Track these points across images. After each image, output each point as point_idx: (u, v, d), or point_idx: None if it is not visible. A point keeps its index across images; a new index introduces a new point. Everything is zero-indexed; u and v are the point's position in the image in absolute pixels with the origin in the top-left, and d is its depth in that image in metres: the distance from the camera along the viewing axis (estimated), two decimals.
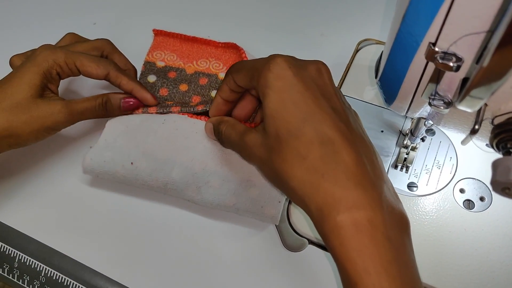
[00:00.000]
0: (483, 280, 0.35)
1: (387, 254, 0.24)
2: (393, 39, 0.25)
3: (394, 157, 0.41)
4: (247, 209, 0.35)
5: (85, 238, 0.38)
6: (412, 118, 0.40)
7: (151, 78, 0.45)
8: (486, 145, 0.28)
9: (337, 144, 0.26)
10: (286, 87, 0.28)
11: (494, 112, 0.25)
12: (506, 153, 0.25)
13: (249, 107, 0.36)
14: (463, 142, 0.28)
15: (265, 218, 0.35)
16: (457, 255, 0.36)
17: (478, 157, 0.40)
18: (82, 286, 0.37)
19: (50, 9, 0.54)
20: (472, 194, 0.38)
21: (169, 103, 0.42)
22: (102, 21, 0.53)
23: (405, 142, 0.40)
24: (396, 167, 0.40)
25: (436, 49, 0.23)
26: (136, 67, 0.42)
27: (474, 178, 0.39)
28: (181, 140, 0.38)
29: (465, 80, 0.24)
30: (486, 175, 0.39)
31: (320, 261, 0.36)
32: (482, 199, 0.38)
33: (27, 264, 0.38)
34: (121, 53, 0.41)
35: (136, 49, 0.48)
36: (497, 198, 0.38)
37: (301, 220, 0.38)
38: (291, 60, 0.29)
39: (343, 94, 0.44)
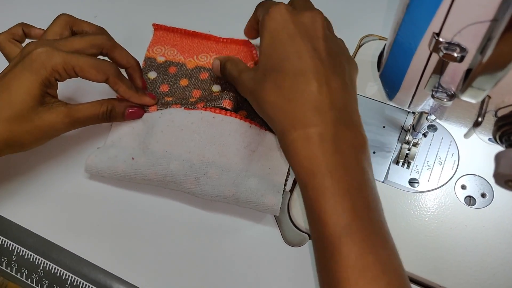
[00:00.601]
0: (484, 276, 0.34)
1: (334, 161, 0.29)
2: (396, 30, 0.25)
3: (396, 153, 0.41)
4: (247, 199, 0.35)
5: (84, 232, 0.38)
6: (414, 113, 0.40)
7: (152, 75, 0.45)
8: (489, 139, 0.28)
9: (307, 75, 0.31)
10: (279, 28, 0.32)
11: (497, 104, 0.25)
12: (509, 145, 0.24)
13: None
14: (466, 135, 0.28)
15: (265, 208, 0.35)
16: (458, 251, 0.35)
17: (480, 153, 0.40)
18: (81, 279, 0.37)
19: (51, 0, 0.54)
20: (473, 190, 0.38)
21: (168, 99, 0.42)
22: (103, 14, 0.52)
23: (406, 138, 0.40)
24: (397, 163, 0.40)
25: (440, 39, 0.23)
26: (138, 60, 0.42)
27: (476, 175, 0.39)
28: (177, 132, 0.37)
29: (469, 71, 0.24)
30: (488, 172, 0.39)
31: None
32: (483, 195, 0.38)
33: (26, 257, 0.38)
34: (122, 48, 0.39)
35: (137, 42, 0.47)
36: (498, 194, 0.38)
37: (302, 215, 0.38)
38: (289, 8, 0.33)
39: None
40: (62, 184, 0.40)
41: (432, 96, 0.26)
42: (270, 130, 0.39)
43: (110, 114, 0.38)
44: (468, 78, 0.23)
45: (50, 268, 0.37)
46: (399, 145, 0.41)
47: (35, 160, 0.41)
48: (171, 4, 0.54)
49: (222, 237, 0.37)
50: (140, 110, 0.39)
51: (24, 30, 0.40)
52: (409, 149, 0.40)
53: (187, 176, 0.36)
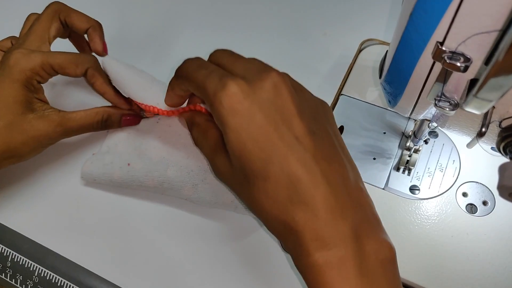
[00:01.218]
0: (485, 285, 0.34)
1: (359, 284, 0.24)
2: (399, 37, 0.25)
3: (397, 159, 0.40)
4: (246, 206, 0.35)
5: (79, 238, 0.38)
6: (415, 120, 0.40)
7: None
8: (492, 148, 0.27)
9: (304, 182, 0.25)
10: (244, 123, 0.25)
11: (502, 115, 0.24)
12: None
13: None
14: (469, 145, 0.27)
15: None
16: (459, 259, 0.35)
17: (482, 160, 0.39)
18: (76, 286, 0.36)
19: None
20: (475, 198, 0.38)
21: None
22: (100, 16, 0.52)
23: (407, 144, 0.39)
24: (398, 169, 0.40)
25: (444, 48, 0.22)
26: (133, 64, 0.41)
27: (477, 182, 0.38)
28: (175, 137, 0.37)
29: (472, 81, 0.23)
30: (490, 179, 0.39)
31: None
32: (485, 203, 0.38)
33: (21, 263, 0.37)
34: (78, 11, 0.37)
35: (132, 42, 0.47)
36: (500, 202, 0.37)
37: None
38: (244, 86, 0.26)
39: (346, 94, 0.44)
40: (58, 190, 0.40)
41: (435, 105, 0.26)
42: None
43: (106, 123, 0.37)
44: (473, 89, 0.22)
45: (45, 274, 0.37)
46: (400, 151, 0.40)
47: (30, 166, 0.41)
48: (170, 8, 0.54)
49: (220, 244, 0.37)
50: (137, 118, 0.39)
51: (12, 43, 0.39)
52: (410, 156, 0.40)
53: (184, 183, 0.35)
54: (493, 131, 0.26)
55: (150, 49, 0.49)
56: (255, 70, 0.27)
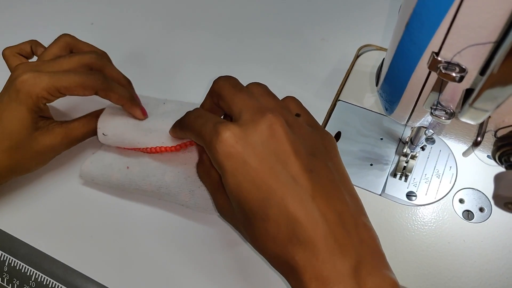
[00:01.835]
0: None
1: None
2: (395, 47, 0.25)
3: (393, 166, 0.40)
4: None
5: (77, 243, 0.38)
6: (412, 127, 0.40)
7: None
8: (488, 156, 0.27)
9: (302, 222, 0.25)
10: (239, 166, 0.26)
11: (497, 124, 0.24)
12: (509, 166, 0.24)
13: None
14: (465, 154, 0.27)
15: None
16: (455, 266, 0.35)
17: (478, 167, 0.39)
18: None
19: (47, 8, 0.54)
20: (471, 204, 0.38)
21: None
22: (99, 21, 0.52)
23: (404, 150, 0.39)
24: (395, 175, 0.40)
25: (439, 58, 0.22)
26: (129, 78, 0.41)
27: (474, 188, 0.39)
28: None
29: (468, 91, 0.23)
30: (486, 186, 0.39)
31: None
32: (481, 209, 0.38)
33: (17, 268, 0.37)
34: (113, 66, 0.38)
35: (133, 49, 0.47)
36: (497, 209, 0.37)
37: None
38: (236, 131, 0.26)
39: (343, 100, 0.44)
40: (55, 194, 0.40)
41: (431, 114, 0.26)
42: None
43: None
44: (469, 99, 0.23)
45: (42, 279, 0.37)
46: (397, 157, 0.41)
47: None
48: (169, 12, 0.54)
49: (216, 250, 0.37)
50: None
51: (32, 48, 0.40)
52: (407, 162, 0.40)
53: (181, 189, 0.35)
54: (489, 139, 0.26)
55: (150, 50, 0.49)
56: (251, 111, 0.27)
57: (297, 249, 0.25)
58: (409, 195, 0.39)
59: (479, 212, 0.38)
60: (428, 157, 0.40)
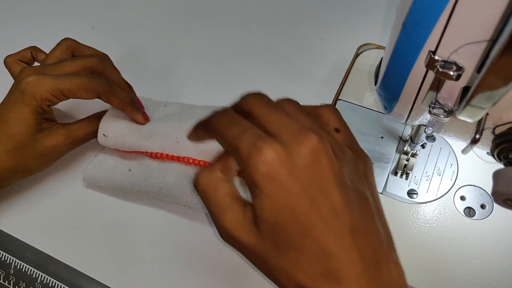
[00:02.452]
0: None
1: None
2: (392, 46, 0.25)
3: (394, 164, 0.40)
4: None
5: (82, 245, 0.38)
6: (412, 125, 0.40)
7: None
8: (487, 153, 0.27)
9: (339, 258, 0.24)
10: (280, 192, 0.24)
11: (495, 122, 0.25)
12: (507, 163, 0.24)
13: None
14: (464, 151, 0.27)
15: None
16: (457, 263, 0.35)
17: (479, 164, 0.39)
18: None
19: (49, 12, 0.54)
20: (473, 201, 0.38)
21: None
22: (100, 24, 0.52)
23: (405, 149, 0.40)
24: (396, 173, 0.40)
25: (436, 57, 0.23)
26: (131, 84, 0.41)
27: (475, 185, 0.39)
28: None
29: (465, 89, 0.24)
30: (487, 182, 0.39)
31: None
32: (483, 206, 0.38)
33: (23, 270, 0.38)
34: (114, 70, 0.39)
35: (133, 52, 0.47)
36: (498, 206, 0.37)
37: None
38: (280, 152, 0.24)
39: (343, 99, 0.44)
40: (59, 197, 0.40)
41: (429, 112, 0.26)
42: None
43: None
44: (466, 97, 0.23)
45: (48, 281, 0.37)
46: (398, 155, 0.41)
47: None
48: (168, 15, 0.54)
49: (219, 251, 0.37)
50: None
51: (32, 54, 0.41)
52: (407, 160, 0.40)
53: (183, 189, 0.36)
54: (488, 136, 0.26)
55: (151, 54, 0.50)
56: (292, 131, 0.25)
57: (329, 285, 0.24)
58: (410, 193, 0.39)
59: (481, 209, 0.38)
60: (428, 155, 0.40)
